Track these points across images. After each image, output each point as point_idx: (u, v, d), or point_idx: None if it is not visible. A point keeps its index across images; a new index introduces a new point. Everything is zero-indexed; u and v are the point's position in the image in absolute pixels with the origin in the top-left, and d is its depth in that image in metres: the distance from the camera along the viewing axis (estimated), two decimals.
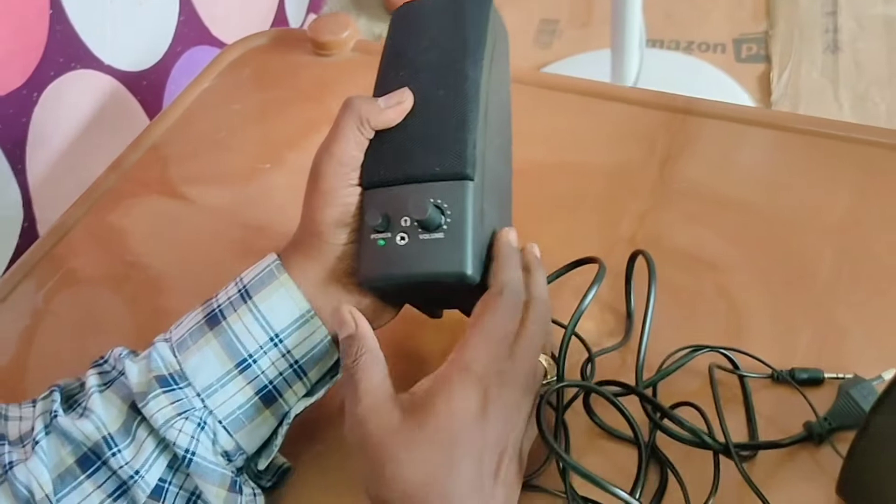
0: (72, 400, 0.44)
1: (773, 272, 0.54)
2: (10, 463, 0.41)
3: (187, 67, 1.04)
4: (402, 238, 0.44)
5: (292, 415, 0.45)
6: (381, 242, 0.44)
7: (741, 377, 0.49)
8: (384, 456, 0.38)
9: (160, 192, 0.69)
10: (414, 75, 0.47)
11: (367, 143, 0.45)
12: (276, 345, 0.43)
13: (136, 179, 0.70)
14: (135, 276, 0.63)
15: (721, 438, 0.45)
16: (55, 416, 0.42)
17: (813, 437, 0.45)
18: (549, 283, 0.51)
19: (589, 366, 0.51)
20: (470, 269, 0.43)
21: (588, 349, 0.51)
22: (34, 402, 0.45)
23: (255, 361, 0.43)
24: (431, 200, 0.44)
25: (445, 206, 0.44)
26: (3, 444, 0.42)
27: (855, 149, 0.60)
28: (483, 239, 0.45)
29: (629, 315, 0.54)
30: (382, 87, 0.47)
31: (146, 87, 0.97)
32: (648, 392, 0.49)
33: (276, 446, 0.45)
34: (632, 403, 0.47)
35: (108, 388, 0.43)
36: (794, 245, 0.55)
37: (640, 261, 0.53)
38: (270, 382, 0.43)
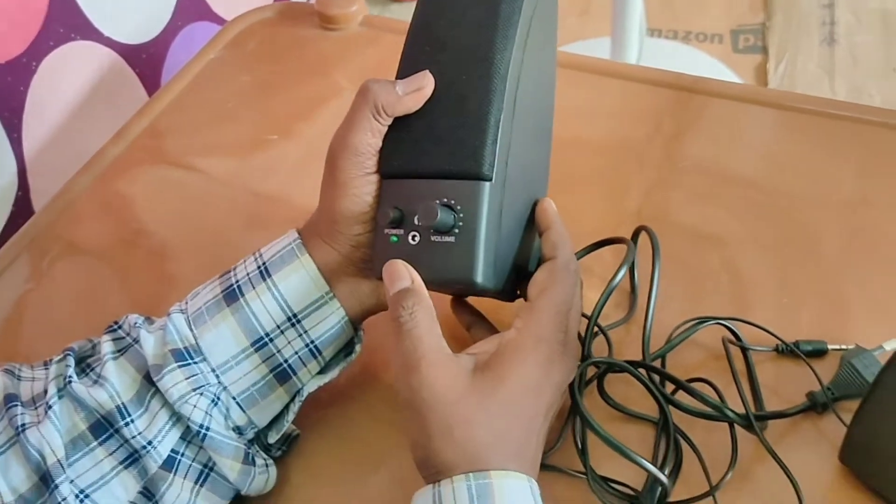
0: (84, 363, 0.44)
1: (777, 247, 0.55)
2: (23, 425, 0.41)
3: (187, 42, 1.03)
4: (414, 238, 0.42)
5: (305, 392, 0.45)
6: (394, 239, 0.43)
7: (744, 350, 0.50)
8: (455, 418, 0.37)
9: (167, 161, 0.69)
10: (439, 54, 0.44)
11: (384, 130, 0.43)
12: (293, 325, 0.43)
13: (142, 148, 0.70)
14: (141, 244, 0.63)
15: (733, 416, 0.45)
16: (69, 381, 0.42)
17: (816, 406, 0.46)
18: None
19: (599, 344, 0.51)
20: (480, 276, 0.41)
21: (603, 330, 0.51)
22: (46, 363, 0.45)
23: (271, 340, 0.43)
24: (443, 201, 0.42)
25: (458, 207, 0.42)
26: (16, 406, 0.42)
27: (858, 129, 0.61)
28: (504, 242, 0.43)
29: (633, 290, 0.54)
30: (407, 64, 0.44)
31: (145, 60, 0.97)
32: (655, 366, 0.49)
33: (288, 421, 0.45)
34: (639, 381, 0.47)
35: (122, 355, 0.43)
36: (798, 221, 0.56)
37: (644, 236, 0.53)
38: (285, 361, 0.43)
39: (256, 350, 0.43)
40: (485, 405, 0.38)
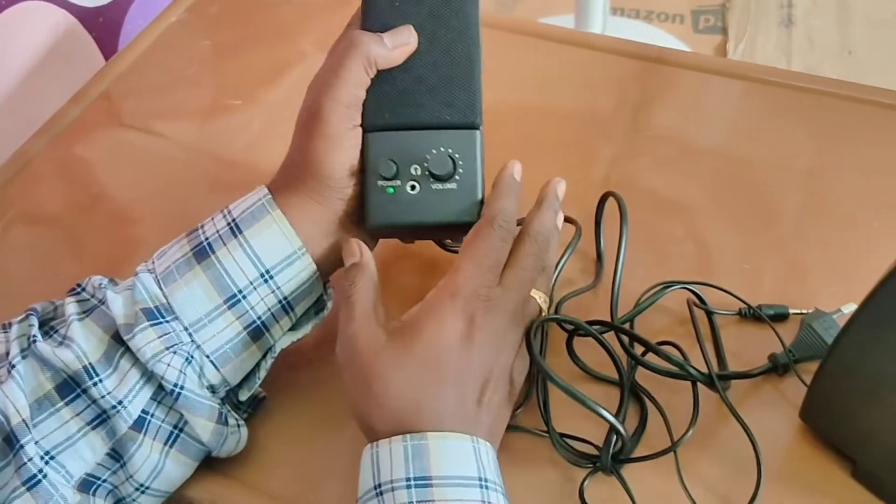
0: (48, 326, 0.43)
1: (740, 214, 0.56)
2: None
3: (144, 7, 1.01)
4: (413, 187, 0.45)
5: (277, 349, 0.45)
6: (391, 190, 0.45)
7: (709, 313, 0.51)
8: (371, 374, 0.38)
9: (126, 124, 0.67)
10: (413, 8, 0.45)
11: (369, 83, 0.44)
12: (266, 281, 0.42)
13: (100, 111, 0.68)
14: (100, 208, 0.61)
15: (696, 374, 0.46)
16: (34, 340, 0.41)
17: (778, 367, 0.47)
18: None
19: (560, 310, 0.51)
20: (479, 216, 0.45)
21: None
22: (5, 325, 0.44)
23: (244, 297, 0.42)
24: (443, 150, 0.44)
25: (457, 156, 0.45)
26: None
27: (818, 100, 0.62)
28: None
29: (599, 256, 0.55)
30: (376, 15, 0.45)
31: (102, 24, 0.94)
32: (623, 327, 0.49)
33: (260, 379, 0.45)
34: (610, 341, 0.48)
35: (87, 316, 0.42)
36: (761, 188, 0.57)
37: (610, 204, 0.54)
38: (259, 318, 0.43)
39: (229, 307, 0.42)
40: (400, 361, 0.38)
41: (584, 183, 0.59)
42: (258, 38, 0.73)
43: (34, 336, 0.41)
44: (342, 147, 0.43)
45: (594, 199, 0.55)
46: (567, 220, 0.53)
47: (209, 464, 0.45)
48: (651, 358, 0.46)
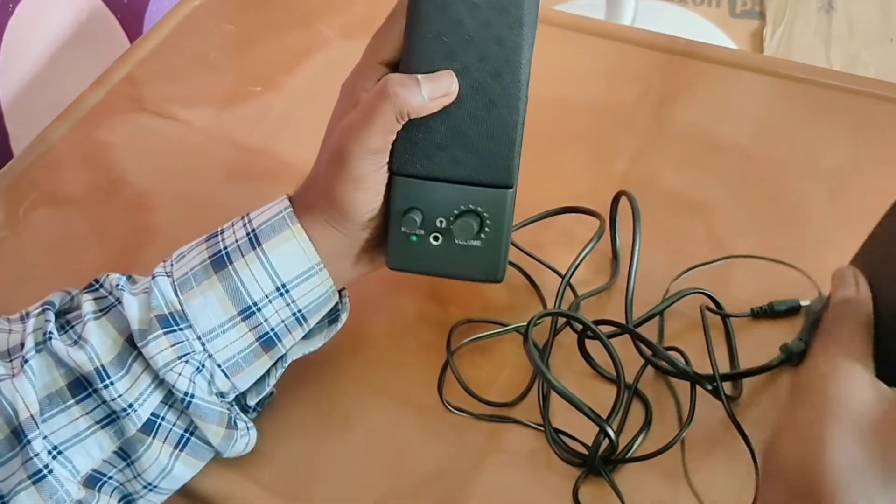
0: (63, 319, 0.43)
1: (764, 215, 0.55)
2: None
3: None
4: (437, 238, 0.44)
5: (288, 359, 0.45)
6: (414, 238, 0.44)
7: (724, 317, 0.50)
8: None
9: (147, 109, 0.67)
10: (459, 47, 0.41)
11: (400, 127, 0.42)
12: (281, 294, 0.42)
13: (122, 96, 0.68)
14: (119, 193, 0.62)
15: (696, 375, 0.46)
16: (50, 337, 0.41)
17: (792, 358, 0.46)
18: (534, 221, 0.52)
19: (578, 309, 0.51)
20: (502, 275, 0.45)
21: (574, 292, 0.51)
22: (23, 316, 0.44)
23: (259, 309, 0.42)
24: (469, 207, 0.43)
25: (486, 214, 0.43)
26: None
27: (851, 99, 0.60)
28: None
29: (615, 256, 0.54)
30: (417, 51, 0.41)
31: (127, 5, 0.94)
32: (636, 331, 0.49)
33: (269, 385, 0.45)
34: (621, 344, 0.47)
35: (104, 315, 0.42)
36: (785, 190, 0.56)
37: (626, 201, 0.53)
38: (272, 329, 0.43)
39: (244, 319, 0.42)
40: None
41: (604, 178, 0.58)
42: (281, 22, 0.73)
43: (50, 332, 0.41)
44: (367, 188, 0.42)
45: (612, 195, 0.54)
46: (590, 213, 0.53)
47: (214, 458, 0.45)
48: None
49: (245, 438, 0.44)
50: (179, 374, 0.41)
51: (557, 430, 0.45)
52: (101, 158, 0.64)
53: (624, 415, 0.46)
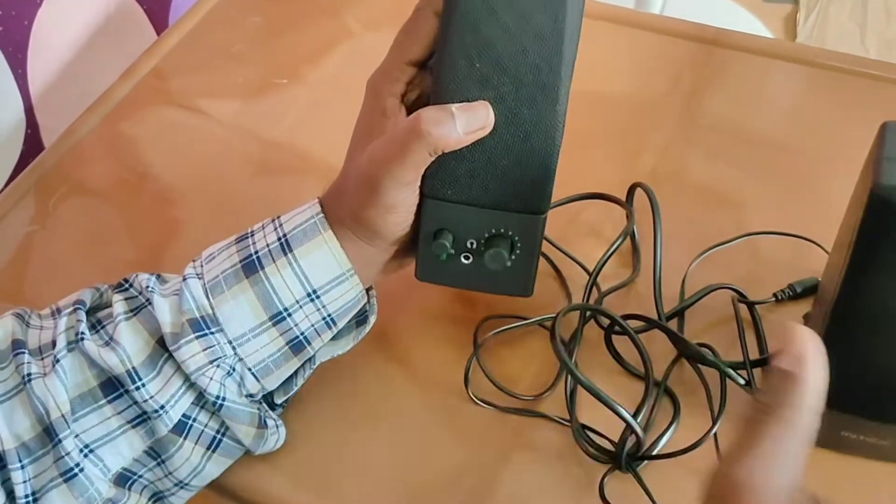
0: (94, 318, 0.43)
1: (795, 209, 0.54)
2: (29, 374, 0.40)
3: None
4: (468, 258, 0.44)
5: (317, 361, 0.45)
6: (444, 258, 0.44)
7: (750, 306, 0.49)
8: None
9: (174, 102, 0.67)
10: (496, 75, 0.40)
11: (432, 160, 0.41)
12: (312, 300, 0.42)
13: (150, 88, 0.69)
14: (146, 187, 0.62)
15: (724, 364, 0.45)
16: (82, 338, 0.41)
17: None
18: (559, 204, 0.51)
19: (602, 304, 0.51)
20: (532, 290, 0.45)
21: (598, 287, 0.51)
22: (54, 313, 0.44)
23: (289, 315, 0.42)
24: (500, 231, 0.43)
25: (517, 238, 0.43)
26: (23, 353, 0.41)
27: (884, 87, 0.59)
28: None
29: (635, 249, 0.53)
30: (451, 78, 0.40)
31: None
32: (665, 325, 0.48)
33: (297, 386, 0.45)
34: (646, 338, 0.47)
35: (134, 315, 0.42)
36: (818, 182, 0.55)
37: (663, 196, 0.52)
38: (302, 333, 0.42)
39: (274, 324, 0.42)
40: None
41: (633, 171, 0.57)
42: (306, 13, 0.73)
43: (82, 333, 0.41)
44: (398, 212, 0.42)
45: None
46: (613, 200, 0.52)
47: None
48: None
49: (275, 437, 0.45)
50: (211, 379, 0.41)
51: (584, 426, 0.45)
52: (128, 152, 0.65)
53: (651, 410, 0.46)
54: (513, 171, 0.42)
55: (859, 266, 0.36)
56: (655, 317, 0.49)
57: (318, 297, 0.42)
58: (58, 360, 0.40)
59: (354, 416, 0.48)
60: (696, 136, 0.58)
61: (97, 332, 0.42)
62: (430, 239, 0.43)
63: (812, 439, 0.30)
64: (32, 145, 0.80)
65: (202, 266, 0.43)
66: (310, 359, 0.44)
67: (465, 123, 0.39)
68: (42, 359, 0.42)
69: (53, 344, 0.42)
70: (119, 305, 0.43)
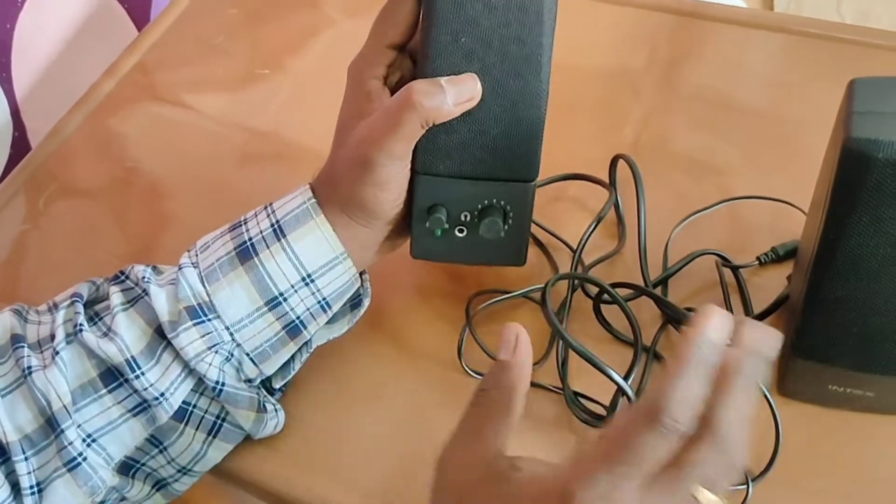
0: (92, 311, 0.44)
1: (775, 174, 0.54)
2: (29, 367, 0.41)
3: None
4: (462, 231, 0.45)
5: (313, 344, 0.46)
6: (438, 232, 0.45)
7: (734, 269, 0.50)
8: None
9: (158, 97, 0.68)
10: (480, 48, 0.40)
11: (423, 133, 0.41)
12: (307, 284, 0.43)
13: (133, 85, 0.69)
14: (135, 182, 0.62)
15: None
16: (80, 329, 0.42)
17: None
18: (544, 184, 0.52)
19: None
20: (525, 258, 0.46)
21: (582, 264, 0.52)
22: (51, 308, 0.45)
23: (285, 300, 0.43)
24: (492, 202, 0.44)
25: (509, 207, 0.44)
26: (23, 347, 0.42)
27: (865, 52, 0.59)
28: None
29: (619, 220, 0.54)
30: (438, 53, 0.41)
31: None
32: (654, 292, 0.49)
33: (294, 370, 0.46)
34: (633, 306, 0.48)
35: (132, 306, 0.43)
36: (800, 147, 0.55)
37: (645, 166, 0.52)
38: (298, 318, 0.43)
39: (270, 309, 0.43)
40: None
41: (614, 144, 0.57)
42: (285, 3, 0.73)
43: (80, 325, 0.42)
44: (390, 189, 0.42)
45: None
46: (595, 181, 0.53)
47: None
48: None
49: (274, 421, 0.45)
50: (210, 364, 0.41)
51: (576, 393, 0.46)
52: (115, 148, 0.65)
53: (642, 375, 0.47)
54: (502, 140, 0.42)
55: (835, 220, 0.37)
56: (642, 284, 0.49)
57: (312, 280, 0.43)
58: (57, 353, 0.41)
59: (351, 396, 0.49)
60: (677, 107, 0.59)
61: (95, 323, 0.43)
62: (425, 215, 0.44)
63: (508, 417, 0.34)
64: (20, 148, 0.80)
65: (197, 255, 0.44)
66: (306, 343, 0.45)
67: (454, 95, 0.40)
68: (42, 352, 0.42)
69: (52, 337, 0.42)
70: (116, 297, 0.43)
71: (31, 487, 0.40)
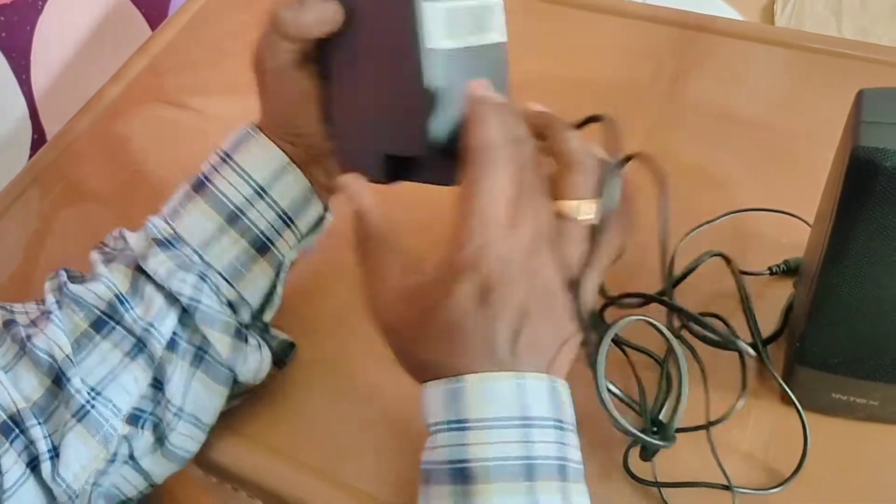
0: (74, 274, 0.46)
1: (781, 187, 0.55)
2: (28, 336, 0.42)
3: None
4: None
5: (287, 263, 0.47)
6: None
7: (743, 275, 0.50)
8: (398, 343, 0.38)
9: (165, 101, 0.68)
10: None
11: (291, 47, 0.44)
12: (261, 196, 0.45)
13: (140, 88, 0.69)
14: (140, 185, 0.63)
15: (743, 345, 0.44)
16: (65, 284, 0.44)
17: None
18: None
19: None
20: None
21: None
22: (37, 302, 0.46)
23: (243, 214, 0.45)
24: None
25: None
26: (17, 326, 0.43)
27: (864, 67, 0.60)
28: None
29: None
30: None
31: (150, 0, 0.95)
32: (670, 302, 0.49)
33: (278, 296, 0.48)
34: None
35: (112, 260, 0.45)
36: (803, 160, 0.56)
37: (649, 177, 0.52)
38: (261, 233, 0.45)
39: (231, 225, 0.45)
40: (420, 339, 0.36)
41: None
42: None
43: (65, 282, 0.44)
44: (279, 98, 0.45)
45: (629, 173, 0.54)
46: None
47: (236, 429, 0.47)
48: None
49: (256, 356, 0.46)
50: (183, 282, 0.43)
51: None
52: (122, 150, 0.65)
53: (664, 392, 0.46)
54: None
55: (842, 228, 0.37)
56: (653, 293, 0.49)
57: (265, 192, 0.45)
58: (50, 314, 0.42)
59: (351, 396, 0.49)
60: (681, 119, 0.60)
61: (79, 283, 0.45)
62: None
63: (393, 251, 0.38)
64: (39, 149, 0.80)
65: (161, 210, 0.47)
66: (280, 264, 0.47)
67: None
68: (36, 326, 0.43)
69: (43, 313, 0.43)
70: (95, 254, 0.46)
71: (49, 451, 0.41)
